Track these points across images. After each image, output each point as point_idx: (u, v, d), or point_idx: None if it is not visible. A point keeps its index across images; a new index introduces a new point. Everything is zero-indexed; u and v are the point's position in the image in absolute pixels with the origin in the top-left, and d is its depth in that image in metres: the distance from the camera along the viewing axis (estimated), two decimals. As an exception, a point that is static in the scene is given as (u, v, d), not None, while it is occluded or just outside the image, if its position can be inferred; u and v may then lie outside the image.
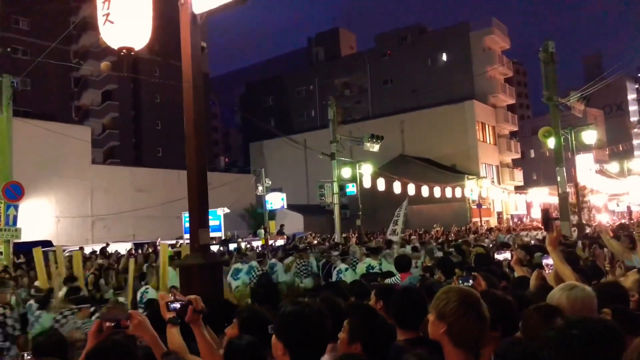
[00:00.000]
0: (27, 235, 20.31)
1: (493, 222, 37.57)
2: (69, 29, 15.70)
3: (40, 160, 28.72)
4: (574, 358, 1.51)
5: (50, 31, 32.07)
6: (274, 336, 2.16)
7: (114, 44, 4.35)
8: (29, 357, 3.47)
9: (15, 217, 14.49)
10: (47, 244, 23.53)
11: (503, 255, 5.41)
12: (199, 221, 4.69)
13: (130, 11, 4.31)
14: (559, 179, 16.71)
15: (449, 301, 2.17)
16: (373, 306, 3.61)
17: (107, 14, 4.29)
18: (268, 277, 8.29)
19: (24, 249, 17.67)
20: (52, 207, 31.05)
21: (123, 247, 20.43)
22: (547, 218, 9.83)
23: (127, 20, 4.30)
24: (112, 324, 2.46)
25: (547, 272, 4.38)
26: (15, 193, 14.50)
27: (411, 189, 27.74)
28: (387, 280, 6.34)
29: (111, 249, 19.12)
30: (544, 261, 4.60)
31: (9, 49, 36.14)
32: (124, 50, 4.39)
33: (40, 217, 28.68)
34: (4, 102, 15.25)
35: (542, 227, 18.53)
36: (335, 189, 22.32)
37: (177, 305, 2.78)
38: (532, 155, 57.55)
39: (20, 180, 15.17)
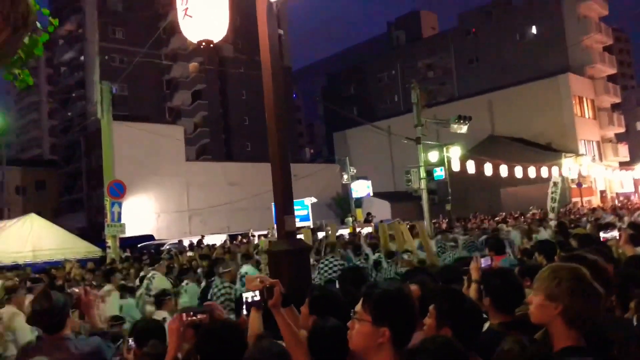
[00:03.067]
0: (131, 230, 21.81)
1: (595, 201, 35.07)
2: (157, 33, 16.50)
3: (139, 159, 30.71)
4: None
5: (143, 38, 34.11)
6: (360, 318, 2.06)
7: (193, 38, 4.45)
8: (131, 343, 3.63)
9: (119, 214, 15.54)
10: (149, 238, 25.19)
11: (610, 234, 4.93)
12: (284, 208, 4.72)
13: (207, 4, 4.39)
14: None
15: (562, 280, 2.06)
16: (465, 291, 3.45)
17: (186, 9, 4.40)
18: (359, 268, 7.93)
19: (129, 244, 19.00)
20: (151, 203, 33.13)
21: (218, 239, 21.34)
22: None
23: (204, 13, 4.39)
24: (194, 319, 2.53)
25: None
26: (118, 191, 15.55)
27: (503, 171, 26.52)
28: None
29: (207, 241, 20.02)
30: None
31: (106, 57, 38.80)
32: (204, 43, 4.48)
33: (141, 214, 30.70)
34: (104, 107, 16.36)
35: None
36: (422, 174, 21.77)
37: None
38: (639, 128, 52.93)
39: (122, 179, 16.25)
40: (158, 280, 8.14)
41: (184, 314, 2.63)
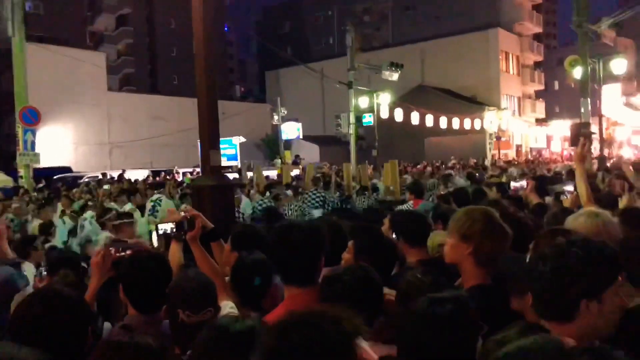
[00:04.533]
0: (47, 161, 20.65)
1: (512, 155, 37.14)
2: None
3: (56, 86, 28.71)
4: (571, 274, 1.48)
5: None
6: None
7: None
8: (44, 273, 3.54)
9: (33, 143, 14.64)
10: (66, 170, 24.00)
11: (520, 183, 5.30)
12: (210, 142, 4.64)
13: None
14: (582, 110, 16.20)
15: (475, 221, 2.18)
16: (387, 231, 3.61)
17: None
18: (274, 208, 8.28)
19: (44, 175, 18.03)
20: (69, 133, 31.40)
21: (140, 174, 20.72)
22: (576, 133, 9.65)
23: None
24: (116, 254, 2.52)
25: (566, 198, 4.28)
26: (32, 118, 14.58)
27: (429, 120, 27.34)
28: (400, 207, 6.32)
29: (128, 175, 19.37)
30: (564, 188, 4.50)
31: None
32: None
33: (58, 144, 29.07)
34: (16, 25, 15.00)
35: (570, 143, 18.22)
36: (352, 119, 22.00)
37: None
38: (556, 87, 55.83)
39: (37, 106, 15.21)
40: (165, 203, 8.14)
41: (112, 249, 2.57)
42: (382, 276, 2.53)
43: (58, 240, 6.45)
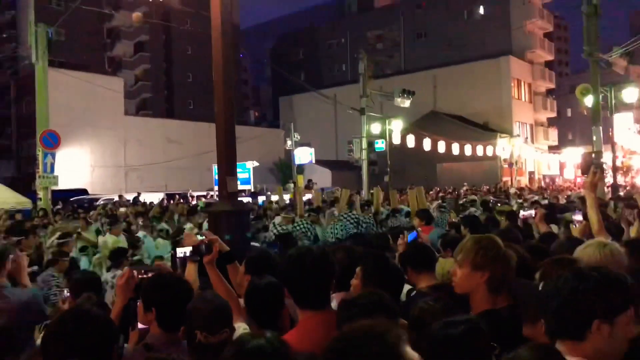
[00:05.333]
0: (64, 183, 20.99)
1: (524, 182, 36.98)
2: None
3: (75, 109, 29.37)
4: (587, 295, 1.56)
5: (83, -19, 32.08)
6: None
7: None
8: (67, 294, 3.67)
9: (52, 165, 14.97)
10: (82, 192, 24.39)
11: (529, 212, 5.37)
12: (227, 169, 4.78)
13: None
14: (594, 138, 16.18)
15: (486, 249, 2.26)
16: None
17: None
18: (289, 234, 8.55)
19: (61, 197, 18.36)
20: (87, 156, 31.93)
21: (155, 197, 20.98)
22: (588, 162, 9.71)
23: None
24: (139, 276, 2.64)
25: (575, 227, 4.34)
26: (52, 141, 14.93)
27: (441, 147, 27.40)
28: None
29: (143, 198, 19.64)
30: (573, 217, 4.57)
31: (42, -2, 36.25)
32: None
33: (76, 166, 29.57)
34: (39, 52, 15.49)
35: (582, 172, 18.15)
36: (364, 144, 22.18)
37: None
38: (569, 114, 55.74)
39: (57, 129, 15.58)
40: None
41: (135, 271, 2.70)
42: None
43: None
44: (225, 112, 4.77)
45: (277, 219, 9.84)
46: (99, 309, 2.15)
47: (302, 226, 9.14)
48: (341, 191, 20.16)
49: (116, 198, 19.52)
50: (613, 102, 18.77)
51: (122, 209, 13.57)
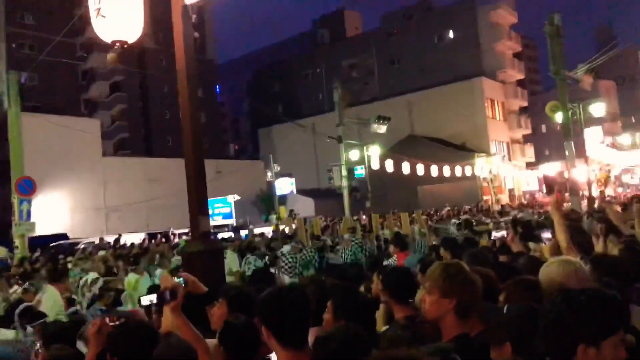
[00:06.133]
0: (43, 228, 20.65)
1: (505, 199, 37.39)
2: (73, 21, 15.76)
3: (52, 154, 29.09)
4: (574, 318, 1.57)
5: (56, 25, 32.20)
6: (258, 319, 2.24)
7: (107, 38, 4.41)
8: (38, 347, 3.60)
9: (29, 212, 14.75)
10: (62, 237, 23.95)
11: (501, 233, 5.45)
12: (198, 208, 4.77)
13: (120, 4, 4.37)
14: (567, 153, 16.60)
15: (455, 277, 2.30)
16: (375, 287, 3.73)
17: (99, 9, 4.35)
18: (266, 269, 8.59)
19: (40, 243, 18.02)
20: (66, 200, 31.50)
21: (137, 238, 20.72)
22: (549, 183, 9.93)
23: (118, 14, 4.35)
24: (112, 324, 2.61)
25: (544, 245, 4.42)
26: (27, 188, 14.75)
27: (420, 169, 27.68)
28: (385, 262, 6.42)
29: (124, 239, 19.38)
30: (544, 235, 4.65)
31: (14, 45, 36.26)
32: (118, 44, 4.46)
33: (55, 211, 29.13)
34: (12, 98, 15.43)
35: (546, 193, 18.49)
36: (344, 172, 22.36)
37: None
38: (544, 130, 56.88)
39: (33, 175, 15.40)
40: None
41: (107, 318, 2.67)
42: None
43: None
44: (193, 151, 4.79)
45: (285, 248, 9.99)
46: None
47: (309, 254, 9.36)
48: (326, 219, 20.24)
49: (97, 241, 19.23)
50: (582, 117, 19.29)
51: (102, 252, 13.38)
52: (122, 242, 18.67)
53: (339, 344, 2.05)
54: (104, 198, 33.47)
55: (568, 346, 1.55)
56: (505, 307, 2.41)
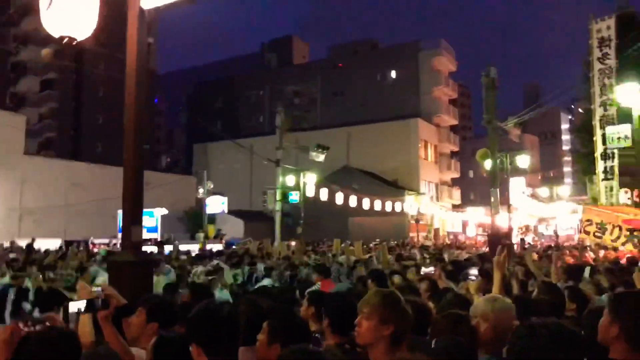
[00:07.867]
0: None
1: (430, 238, 38.58)
2: (9, 12, 15.02)
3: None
4: (537, 353, 1.64)
5: (-11, 12, 30.52)
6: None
7: (55, 33, 4.21)
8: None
9: None
10: (-32, 235, 22.21)
11: (430, 268, 5.65)
12: (132, 217, 4.61)
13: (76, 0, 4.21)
14: (492, 199, 17.46)
15: (394, 304, 2.38)
16: (305, 311, 3.72)
17: (51, 1, 4.17)
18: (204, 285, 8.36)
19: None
20: (-24, 196, 29.38)
21: (52, 244, 19.57)
22: (495, 242, 10.56)
23: (71, 8, 4.18)
24: (23, 333, 2.44)
25: (472, 281, 4.62)
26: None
27: (353, 201, 28.12)
28: (310, 289, 6.44)
29: (38, 245, 18.23)
30: (470, 271, 4.86)
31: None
32: (66, 39, 4.28)
33: (-38, 207, 27.05)
34: None
35: (490, 254, 19.36)
36: (278, 195, 22.31)
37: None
38: (471, 175, 59.68)
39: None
40: None
41: (20, 323, 2.48)
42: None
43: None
44: (134, 160, 4.65)
45: (260, 267, 10.12)
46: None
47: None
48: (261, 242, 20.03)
49: (7, 244, 17.97)
50: (509, 166, 20.43)
51: (12, 255, 12.50)
52: (35, 247, 17.53)
53: None
54: (20, 199, 31.44)
55: None
56: (434, 341, 2.49)
